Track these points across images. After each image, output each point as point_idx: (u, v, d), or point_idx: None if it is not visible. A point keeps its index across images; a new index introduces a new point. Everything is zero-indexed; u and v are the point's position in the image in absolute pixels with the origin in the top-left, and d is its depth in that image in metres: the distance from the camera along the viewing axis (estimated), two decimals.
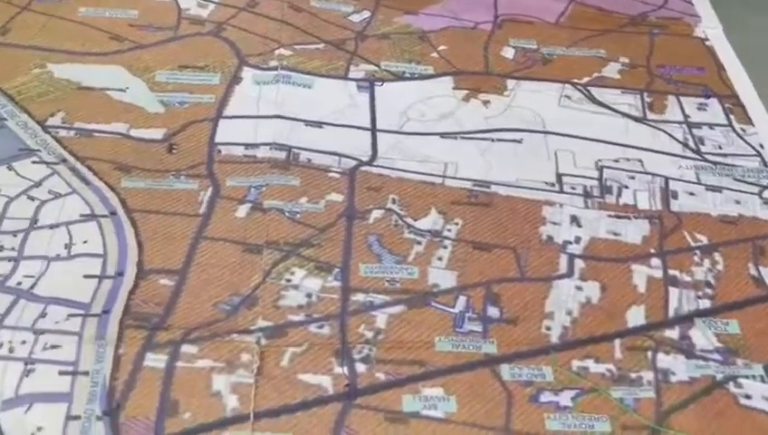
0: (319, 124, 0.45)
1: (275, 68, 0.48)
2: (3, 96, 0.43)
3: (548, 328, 0.37)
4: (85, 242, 0.37)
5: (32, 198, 0.39)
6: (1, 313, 0.34)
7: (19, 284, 0.35)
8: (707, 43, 0.56)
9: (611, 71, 0.52)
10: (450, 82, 0.50)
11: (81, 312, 0.34)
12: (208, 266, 0.37)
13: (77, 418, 0.31)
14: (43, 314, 0.34)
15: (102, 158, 0.41)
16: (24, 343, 0.33)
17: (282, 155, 0.43)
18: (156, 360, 0.33)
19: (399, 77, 0.49)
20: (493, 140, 0.46)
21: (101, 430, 0.31)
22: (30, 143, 0.41)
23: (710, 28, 0.57)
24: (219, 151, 0.43)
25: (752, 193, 0.45)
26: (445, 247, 0.40)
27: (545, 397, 0.35)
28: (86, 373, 0.32)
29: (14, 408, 0.31)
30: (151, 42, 0.48)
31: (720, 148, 0.48)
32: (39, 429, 0.31)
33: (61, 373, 0.32)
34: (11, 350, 0.33)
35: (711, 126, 0.50)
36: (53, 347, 0.33)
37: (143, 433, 0.31)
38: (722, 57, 0.55)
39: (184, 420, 0.32)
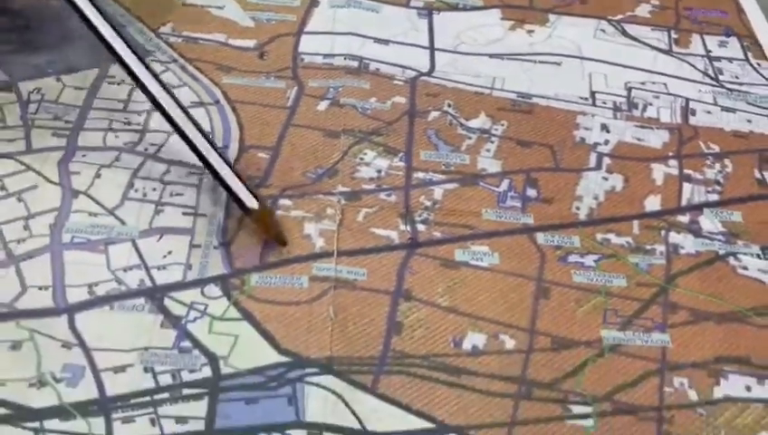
0: (385, 42, 0.53)
1: None
2: (121, 7, 0.52)
3: (577, 208, 0.44)
4: None
5: None
6: (134, 167, 0.42)
7: (146, 149, 0.43)
8: None
9: (643, 11, 0.59)
10: (498, 13, 0.57)
11: (199, 171, 0.42)
12: (296, 146, 0.45)
13: (198, 246, 0.39)
14: (167, 171, 0.42)
15: (206, 60, 0.49)
16: (154, 190, 0.41)
17: (354, 64, 0.50)
18: None
19: (454, 8, 0.56)
20: (535, 62, 0.53)
21: (218, 254, 0.39)
22: (146, 46, 0.49)
23: None
24: (302, 59, 0.50)
25: (763, 115, 0.52)
26: (492, 142, 0.47)
27: (572, 258, 0.42)
28: (204, 215, 0.40)
29: (149, 237, 0.39)
30: None
31: (737, 78, 0.54)
32: (169, 252, 0.39)
33: (184, 214, 0.40)
34: (144, 195, 0.41)
35: (730, 60, 0.56)
36: (178, 195, 0.41)
37: (251, 258, 0.39)
38: (743, 3, 0.61)
39: (282, 253, 0.40)
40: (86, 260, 0.38)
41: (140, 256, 0.39)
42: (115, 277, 0.38)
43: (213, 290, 0.38)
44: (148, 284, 0.37)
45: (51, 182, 0.41)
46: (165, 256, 0.39)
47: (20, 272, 0.37)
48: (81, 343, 0.35)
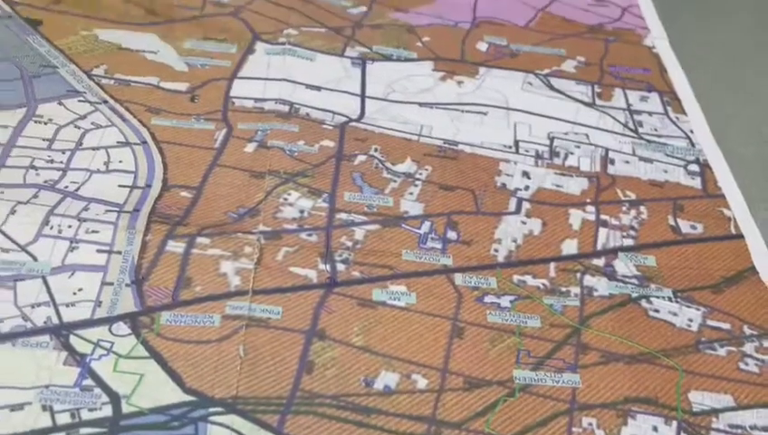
0: (317, 88, 0.54)
1: (284, 43, 0.57)
2: (55, 50, 0.52)
3: (496, 250, 0.45)
4: (120, 162, 0.45)
5: (78, 127, 0.47)
6: (51, 205, 0.42)
7: (66, 187, 0.43)
8: (654, 50, 0.65)
9: (569, 66, 0.62)
10: (430, 65, 0.59)
11: (117, 209, 0.42)
12: (221, 186, 0.45)
13: (110, 284, 0.39)
14: (86, 208, 0.42)
15: (137, 101, 0.50)
16: (69, 227, 0.41)
17: (285, 108, 0.52)
18: (175, 246, 0.41)
19: (388, 58, 0.58)
20: (462, 111, 0.55)
21: (129, 293, 0.39)
22: (77, 87, 0.50)
23: (657, 39, 0.67)
24: (233, 103, 0.51)
25: (678, 166, 0.54)
26: (416, 186, 0.48)
27: (489, 299, 0.43)
28: (119, 253, 0.40)
29: (61, 274, 0.39)
30: (181, 17, 0.57)
31: (655, 130, 0.57)
32: (80, 289, 0.38)
33: (98, 251, 0.40)
34: (59, 231, 0.41)
35: (650, 114, 0.59)
36: (93, 232, 0.41)
37: (162, 298, 0.39)
38: (666, 62, 0.65)
39: (195, 291, 0.39)
40: None
41: (50, 293, 0.38)
42: (21, 314, 0.37)
43: (121, 328, 0.37)
44: (55, 321, 0.37)
45: None
46: (75, 293, 0.38)
47: None
48: None
